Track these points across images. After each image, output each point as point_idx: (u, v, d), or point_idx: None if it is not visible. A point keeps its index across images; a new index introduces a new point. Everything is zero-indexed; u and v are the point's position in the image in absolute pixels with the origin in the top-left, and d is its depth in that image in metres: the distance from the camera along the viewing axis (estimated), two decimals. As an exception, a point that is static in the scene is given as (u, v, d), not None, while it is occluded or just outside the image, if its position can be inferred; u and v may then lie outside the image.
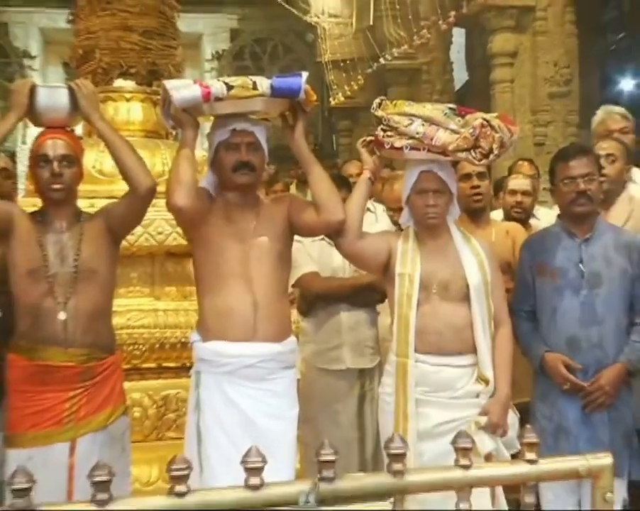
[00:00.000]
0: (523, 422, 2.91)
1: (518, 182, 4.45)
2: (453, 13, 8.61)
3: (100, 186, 3.87)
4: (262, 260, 2.91)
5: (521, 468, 1.64)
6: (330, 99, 12.96)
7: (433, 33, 9.50)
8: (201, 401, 2.87)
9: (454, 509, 1.62)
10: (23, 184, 4.15)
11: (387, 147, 2.98)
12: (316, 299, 3.85)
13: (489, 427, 2.91)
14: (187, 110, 2.89)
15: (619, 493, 3.07)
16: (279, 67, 14.80)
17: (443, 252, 3.04)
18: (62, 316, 2.78)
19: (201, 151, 3.81)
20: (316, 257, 3.82)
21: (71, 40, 4.67)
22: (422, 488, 1.66)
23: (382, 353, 3.72)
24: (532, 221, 4.54)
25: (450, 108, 2.98)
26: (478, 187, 3.78)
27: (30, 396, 2.77)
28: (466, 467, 1.58)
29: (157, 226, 3.84)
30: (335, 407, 3.85)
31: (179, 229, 3.47)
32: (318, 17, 12.27)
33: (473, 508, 1.60)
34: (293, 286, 3.70)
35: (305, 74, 2.88)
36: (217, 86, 2.81)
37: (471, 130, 2.85)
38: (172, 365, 3.84)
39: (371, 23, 10.95)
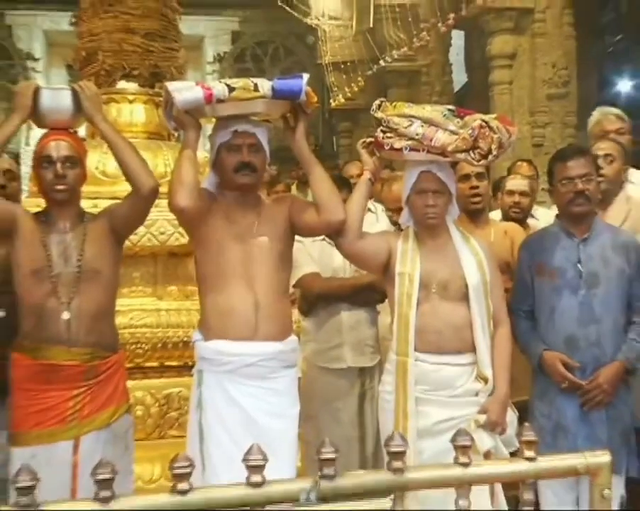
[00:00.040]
0: (521, 420, 2.91)
1: (516, 183, 4.45)
2: (452, 15, 8.60)
3: (103, 187, 3.87)
4: (263, 260, 2.91)
5: (519, 466, 1.64)
6: (331, 101, 12.95)
7: (432, 35, 9.50)
8: (203, 399, 2.87)
9: (454, 507, 1.62)
10: (26, 185, 4.15)
11: (386, 148, 2.98)
12: (317, 299, 3.85)
13: (488, 425, 2.91)
14: (189, 111, 2.89)
15: (617, 490, 3.06)
16: (280, 69, 14.80)
17: (442, 252, 3.04)
18: (65, 315, 2.79)
19: (203, 152, 3.81)
20: (316, 257, 3.82)
21: (74, 42, 4.67)
22: (422, 485, 1.66)
23: (382, 351, 3.72)
24: (531, 221, 4.54)
25: (449, 110, 2.99)
26: (477, 187, 3.78)
27: (34, 394, 2.77)
28: (465, 464, 1.59)
29: (160, 226, 3.84)
30: (335, 405, 3.85)
31: (181, 229, 3.48)
32: (319, 19, 12.26)
33: (472, 505, 1.60)
34: (294, 286, 3.70)
35: (306, 76, 2.88)
36: (219, 88, 2.81)
37: (470, 131, 2.85)
38: (174, 364, 3.84)
39: (371, 25, 10.93)
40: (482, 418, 2.91)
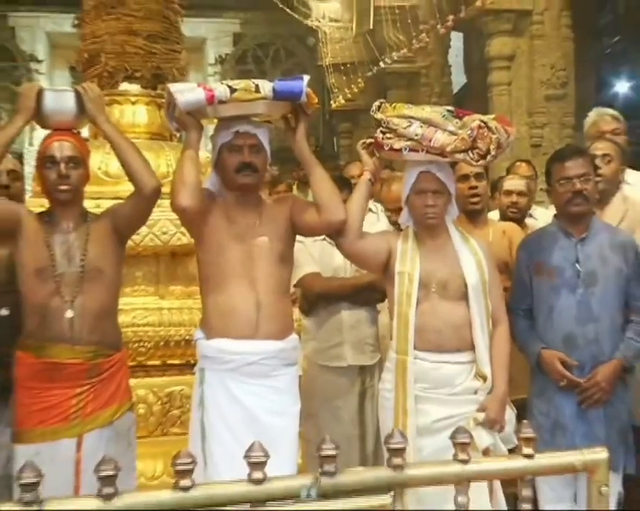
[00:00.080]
0: (520, 418, 2.91)
1: (513, 183, 4.44)
2: (451, 17, 8.59)
3: (106, 187, 3.88)
4: (264, 259, 2.91)
5: (518, 463, 1.64)
6: (331, 102, 12.95)
7: (431, 37, 9.49)
8: (205, 397, 2.88)
9: (453, 503, 1.62)
10: (30, 185, 4.15)
11: (386, 148, 2.98)
12: (318, 298, 3.86)
13: (487, 423, 2.91)
14: (191, 113, 2.89)
15: (615, 487, 3.08)
16: (281, 70, 14.80)
17: (441, 251, 3.04)
18: (69, 314, 2.79)
19: (205, 153, 3.81)
20: (317, 257, 3.82)
21: (77, 44, 4.68)
22: (421, 482, 1.66)
23: (382, 350, 3.72)
24: (529, 221, 4.53)
25: (448, 111, 2.99)
26: (476, 187, 3.77)
27: (38, 393, 2.78)
28: (464, 461, 1.59)
29: (162, 226, 3.85)
30: (336, 403, 3.85)
31: (183, 229, 3.48)
32: (319, 21, 12.26)
33: (471, 502, 1.61)
34: (295, 286, 3.71)
35: (306, 78, 2.88)
36: (220, 90, 2.81)
37: (469, 132, 2.85)
38: (176, 362, 3.85)
39: (371, 27, 10.93)
40: (481, 416, 2.91)
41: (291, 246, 3.04)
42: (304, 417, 3.09)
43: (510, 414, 3.05)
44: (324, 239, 3.69)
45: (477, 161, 2.90)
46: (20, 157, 7.60)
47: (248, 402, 2.86)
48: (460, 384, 2.97)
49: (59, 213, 2.89)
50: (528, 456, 1.62)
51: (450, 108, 3.05)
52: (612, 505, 3.09)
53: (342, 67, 12.04)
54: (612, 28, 12.92)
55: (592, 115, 4.52)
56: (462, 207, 3.59)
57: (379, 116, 3.01)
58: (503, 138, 2.91)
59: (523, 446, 1.63)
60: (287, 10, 11.53)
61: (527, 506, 1.66)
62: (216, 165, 3.01)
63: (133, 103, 4.40)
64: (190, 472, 1.47)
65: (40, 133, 3.00)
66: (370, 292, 3.74)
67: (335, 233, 3.03)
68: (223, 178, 2.99)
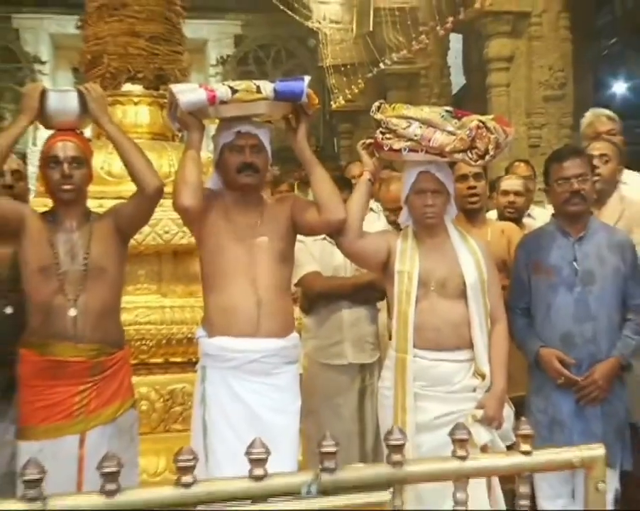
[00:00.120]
0: (518, 415, 2.91)
1: (510, 183, 4.44)
2: (450, 19, 8.60)
3: (108, 187, 3.87)
4: (265, 258, 2.91)
5: (516, 459, 1.65)
6: (332, 103, 12.95)
7: (431, 38, 9.50)
8: (207, 395, 2.88)
9: (451, 499, 1.62)
10: (33, 185, 4.15)
11: (386, 149, 2.98)
12: (318, 297, 3.86)
13: (485, 420, 2.91)
14: (193, 113, 2.89)
15: (612, 483, 3.08)
16: (282, 71, 14.80)
17: (440, 250, 3.04)
18: (72, 312, 2.79)
19: (207, 153, 3.81)
20: (317, 256, 3.82)
21: (80, 45, 4.67)
22: (420, 478, 1.66)
23: (382, 348, 3.72)
24: (528, 221, 4.54)
25: (447, 111, 2.98)
26: (475, 187, 3.77)
27: (41, 390, 2.78)
28: (463, 458, 1.59)
29: (164, 225, 3.85)
30: (336, 400, 3.86)
31: (185, 228, 3.48)
32: (320, 23, 12.26)
33: (470, 498, 1.61)
34: (296, 285, 3.70)
35: (307, 78, 2.88)
36: (222, 90, 2.81)
37: (467, 132, 2.85)
38: (178, 360, 3.85)
39: (371, 28, 10.93)
40: (480, 413, 2.91)
41: (292, 245, 3.04)
42: (304, 414, 3.09)
43: (508, 411, 3.05)
44: (325, 238, 3.69)
45: (476, 161, 2.90)
46: (23, 157, 7.61)
47: (249, 400, 2.86)
48: (458, 382, 2.97)
49: (62, 212, 2.89)
50: (526, 453, 1.62)
51: (449, 108, 3.05)
52: (609, 502, 3.09)
53: (342, 68, 12.05)
54: (610, 29, 12.92)
55: (588, 116, 4.53)
56: (461, 206, 3.59)
57: (378, 116, 3.01)
58: (501, 138, 2.91)
59: (521, 442, 1.64)
60: (288, 12, 11.53)
61: (525, 502, 1.66)
62: (218, 165, 3.01)
63: (136, 103, 4.40)
64: (192, 468, 1.47)
65: (44, 134, 3.00)
66: (370, 291, 3.73)
67: (336, 233, 3.03)
68: (224, 178, 2.99)
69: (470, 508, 1.62)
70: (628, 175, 4.07)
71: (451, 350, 2.97)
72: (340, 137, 14.05)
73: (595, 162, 3.65)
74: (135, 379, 3.12)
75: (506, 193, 4.35)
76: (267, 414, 2.86)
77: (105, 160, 3.96)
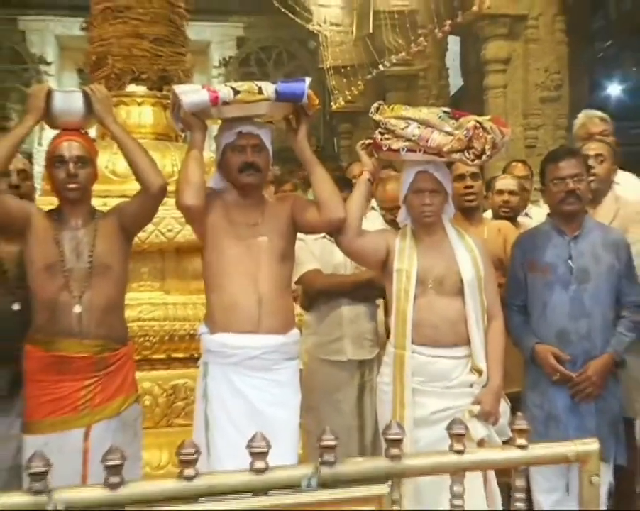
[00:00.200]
0: (514, 411, 2.91)
1: (505, 182, 4.44)
2: (448, 22, 8.60)
3: (113, 186, 3.88)
4: (266, 256, 2.92)
5: (512, 453, 1.65)
6: (332, 103, 12.94)
7: (429, 40, 9.49)
8: (209, 390, 2.88)
9: (449, 492, 1.62)
10: (39, 184, 4.15)
11: (384, 149, 2.98)
12: (319, 294, 3.86)
13: (482, 415, 2.91)
14: (196, 113, 2.89)
15: (605, 477, 3.08)
16: (283, 73, 14.78)
17: (438, 249, 3.04)
18: (77, 309, 2.79)
19: (209, 153, 3.81)
20: (318, 254, 3.82)
21: (85, 46, 4.67)
22: (418, 472, 1.67)
23: (381, 344, 3.72)
24: (524, 220, 4.54)
25: (444, 112, 2.98)
26: (471, 186, 3.77)
27: (47, 385, 2.78)
28: (460, 452, 1.59)
29: (167, 223, 3.85)
30: (336, 396, 3.85)
31: (187, 227, 3.48)
32: (320, 25, 12.24)
33: (466, 491, 1.61)
34: (296, 283, 3.70)
35: (308, 80, 2.88)
36: (224, 91, 2.81)
37: (464, 132, 2.85)
38: (180, 356, 3.85)
39: (370, 31, 10.91)
40: (476, 408, 2.92)
41: (292, 244, 3.04)
42: (304, 409, 3.09)
43: (505, 406, 3.05)
44: (325, 237, 3.69)
45: (473, 160, 2.90)
46: (29, 157, 7.61)
47: (250, 395, 2.86)
48: (456, 377, 2.97)
49: (68, 211, 2.89)
50: (522, 447, 1.63)
51: (446, 109, 3.05)
52: (603, 495, 3.10)
53: (342, 70, 12.03)
54: (605, 32, 12.91)
55: (581, 117, 4.54)
56: (458, 205, 3.59)
57: (377, 117, 3.01)
58: (498, 138, 2.91)
59: (517, 437, 1.64)
60: (290, 14, 11.52)
61: (521, 495, 1.67)
62: (220, 164, 3.01)
63: (140, 104, 4.40)
64: (194, 462, 1.48)
65: (49, 134, 3.00)
66: (369, 289, 3.73)
67: (336, 231, 3.03)
68: (226, 177, 2.99)
69: (466, 501, 1.62)
70: (621, 176, 4.07)
71: (449, 347, 2.97)
72: (340, 137, 14.03)
73: (591, 162, 3.65)
74: (138, 374, 3.12)
75: (501, 192, 4.35)
76: (268, 409, 2.86)
77: (109, 160, 3.96)
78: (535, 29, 8.63)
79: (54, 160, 2.85)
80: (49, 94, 2.85)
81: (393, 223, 3.66)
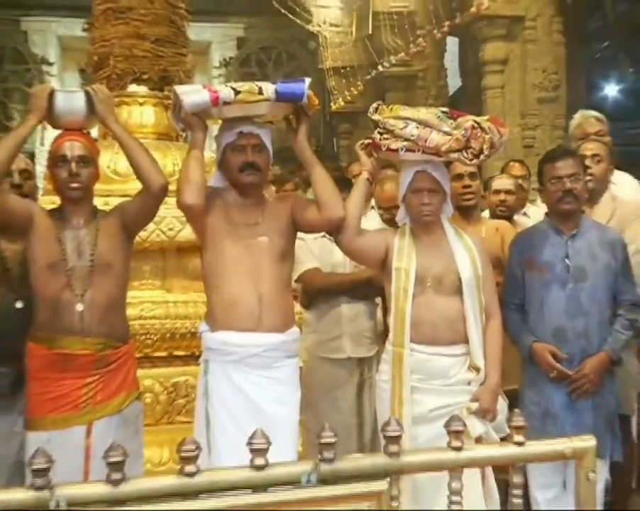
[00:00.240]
0: (511, 408, 2.91)
1: (501, 182, 4.44)
2: (447, 23, 8.59)
3: (114, 185, 3.88)
4: (266, 255, 2.92)
5: (509, 450, 1.65)
6: (331, 104, 12.93)
7: (428, 41, 9.48)
8: (209, 388, 2.88)
9: (447, 489, 1.63)
10: (41, 183, 4.16)
11: (383, 149, 2.98)
12: (318, 293, 3.86)
13: (479, 412, 2.92)
14: (197, 113, 2.89)
15: (602, 473, 3.09)
16: (283, 73, 14.76)
17: (437, 248, 3.04)
18: (79, 307, 2.79)
19: (210, 152, 3.81)
20: (317, 253, 3.82)
21: (87, 47, 4.67)
22: (417, 468, 1.67)
23: (380, 343, 3.72)
24: (522, 219, 4.54)
25: (443, 112, 2.98)
26: (470, 186, 3.77)
27: (50, 382, 2.78)
28: (458, 449, 1.59)
29: (168, 222, 3.85)
30: (335, 393, 3.86)
31: (188, 226, 3.48)
32: (320, 26, 12.23)
33: (464, 487, 1.61)
34: (296, 281, 3.70)
35: (307, 80, 2.88)
36: (225, 91, 2.81)
37: (463, 132, 2.85)
38: (181, 353, 3.86)
39: (370, 32, 10.89)
40: (474, 405, 2.92)
41: (292, 243, 3.05)
42: (304, 407, 3.10)
43: (502, 404, 3.05)
44: (324, 236, 3.69)
45: (471, 160, 2.91)
46: (32, 156, 7.60)
47: (251, 392, 2.87)
48: (454, 375, 2.98)
49: (70, 210, 2.89)
50: (519, 444, 1.63)
51: (445, 109, 3.05)
52: (599, 491, 3.09)
53: (342, 70, 12.01)
54: (602, 33, 12.89)
55: (577, 117, 4.54)
56: (456, 204, 3.59)
57: (376, 117, 3.01)
58: (496, 138, 2.91)
59: (514, 434, 1.64)
60: (289, 15, 11.51)
61: (518, 492, 1.67)
62: (220, 164, 3.01)
63: (141, 104, 4.40)
64: (195, 458, 1.48)
65: (51, 134, 3.00)
66: (368, 287, 3.73)
67: (335, 230, 3.03)
68: (227, 177, 3.00)
69: (464, 497, 1.62)
70: (618, 176, 4.08)
71: (447, 345, 2.97)
72: (340, 137, 14.02)
73: (587, 162, 3.65)
74: (139, 372, 3.13)
75: (497, 192, 4.35)
76: (268, 406, 2.86)
77: (111, 159, 3.96)
78: (532, 30, 8.63)
79: (57, 159, 2.85)
80: (51, 94, 2.85)
81: (391, 223, 3.66)
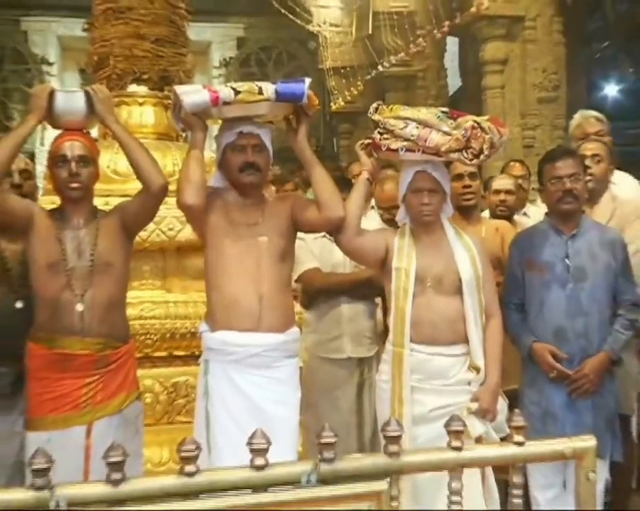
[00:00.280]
0: (511, 408, 2.91)
1: (501, 182, 4.45)
2: (447, 23, 8.59)
3: (114, 185, 3.88)
4: (266, 254, 2.92)
5: (509, 450, 1.65)
6: (331, 104, 12.93)
7: (428, 41, 9.48)
8: (209, 387, 2.88)
9: (447, 488, 1.63)
10: (41, 183, 4.16)
11: (383, 149, 2.98)
12: (318, 293, 3.86)
13: (479, 412, 2.92)
14: (197, 114, 2.89)
15: (602, 473, 3.09)
16: (283, 73, 14.76)
17: (437, 247, 3.04)
18: (79, 307, 2.79)
19: (210, 152, 3.81)
20: (317, 253, 3.82)
21: (87, 47, 4.67)
22: (417, 468, 1.67)
23: (380, 342, 3.72)
24: (522, 219, 4.55)
25: (443, 112, 2.98)
26: (470, 186, 3.77)
27: (50, 382, 2.78)
28: (458, 449, 1.59)
29: (168, 222, 3.85)
30: (335, 393, 3.86)
31: (188, 226, 3.48)
32: (320, 26, 12.23)
33: (464, 487, 1.61)
34: (296, 281, 3.70)
35: (308, 80, 2.88)
36: (225, 91, 2.81)
37: (462, 132, 2.85)
38: (181, 353, 3.85)
39: (370, 32, 10.90)
40: (474, 405, 2.92)
41: (292, 242, 3.04)
42: (304, 407, 3.09)
43: (502, 403, 3.05)
44: (324, 236, 3.68)
45: (471, 160, 2.91)
46: (32, 156, 7.59)
47: (251, 392, 2.87)
48: (454, 375, 2.98)
49: (70, 210, 2.89)
50: (519, 444, 1.63)
51: (445, 109, 3.05)
52: (599, 491, 3.09)
53: (342, 70, 12.02)
54: (602, 33, 12.89)
55: (577, 117, 4.54)
56: (456, 204, 3.59)
57: (376, 117, 3.01)
58: (496, 138, 2.91)
59: (514, 434, 1.64)
60: (289, 15, 11.51)
61: (518, 492, 1.67)
62: (220, 164, 3.01)
63: (141, 104, 4.40)
64: (195, 458, 1.48)
65: (51, 134, 3.00)
66: (368, 287, 3.73)
67: (335, 230, 3.03)
68: (227, 177, 3.00)
69: (464, 497, 1.62)
70: (618, 176, 4.08)
71: (447, 345, 2.97)
72: (340, 137, 14.02)
73: (587, 162, 3.65)
74: (139, 372, 3.13)
75: (497, 192, 4.36)
76: (268, 406, 2.86)
77: (111, 159, 3.96)
78: (532, 30, 8.63)
79: (57, 159, 2.85)
80: (51, 94, 2.85)
81: (391, 223, 3.66)
